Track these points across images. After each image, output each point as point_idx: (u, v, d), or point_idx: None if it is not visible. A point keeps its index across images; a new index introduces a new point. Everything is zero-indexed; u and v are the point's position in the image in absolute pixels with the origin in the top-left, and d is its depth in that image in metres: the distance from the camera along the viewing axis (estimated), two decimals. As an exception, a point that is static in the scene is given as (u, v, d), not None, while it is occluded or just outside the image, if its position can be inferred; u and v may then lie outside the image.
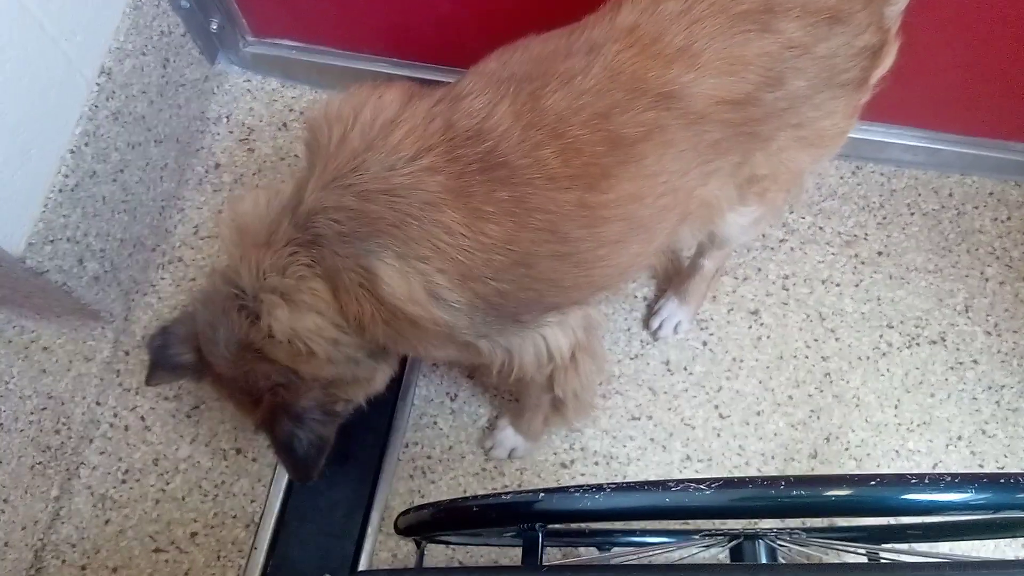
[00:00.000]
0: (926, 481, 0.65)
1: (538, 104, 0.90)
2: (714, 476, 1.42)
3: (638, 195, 0.93)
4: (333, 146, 0.93)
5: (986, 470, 1.45)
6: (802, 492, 0.68)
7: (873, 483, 0.67)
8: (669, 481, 0.71)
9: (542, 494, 0.76)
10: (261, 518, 1.43)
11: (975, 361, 1.53)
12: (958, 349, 1.54)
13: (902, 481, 0.66)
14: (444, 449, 1.49)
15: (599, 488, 0.73)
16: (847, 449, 1.48)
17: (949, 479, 0.65)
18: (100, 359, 1.50)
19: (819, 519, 1.24)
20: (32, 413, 1.47)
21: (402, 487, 1.46)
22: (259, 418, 1.07)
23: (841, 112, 1.00)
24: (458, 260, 0.92)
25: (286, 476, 1.44)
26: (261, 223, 0.98)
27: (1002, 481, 0.64)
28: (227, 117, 1.71)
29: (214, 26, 1.61)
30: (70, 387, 1.49)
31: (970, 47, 1.41)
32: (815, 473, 1.45)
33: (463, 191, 0.90)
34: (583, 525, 1.25)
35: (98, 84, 1.33)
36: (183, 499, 1.45)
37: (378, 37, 1.60)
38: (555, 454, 1.48)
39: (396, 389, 1.49)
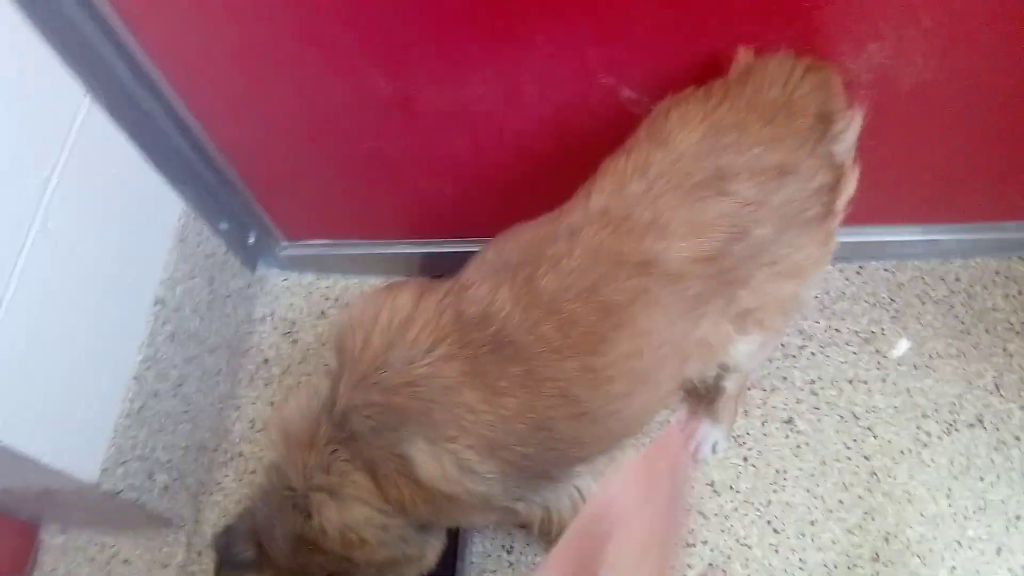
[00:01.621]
0: None
1: (533, 286, 1.01)
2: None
3: (636, 352, 1.01)
4: (358, 350, 1.04)
5: (1053, 550, 1.43)
6: None
7: None
8: None
9: None
10: None
11: (1017, 438, 1.53)
12: (997, 429, 1.54)
13: None
14: (509, 603, 1.52)
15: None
16: (908, 547, 1.47)
17: None
18: (175, 564, 1.58)
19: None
20: (119, 625, 1.55)
21: (474, 649, 1.49)
22: None
23: (812, 244, 1.08)
24: (483, 434, 1.00)
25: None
26: (303, 424, 1.08)
27: None
28: (271, 315, 1.86)
29: (251, 239, 1.79)
30: (151, 594, 1.57)
31: (941, 147, 1.49)
32: (878, 578, 1.44)
33: (478, 372, 1.00)
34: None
35: (154, 313, 1.48)
36: None
37: (396, 224, 1.76)
38: (617, 593, 1.50)
39: (453, 548, 1.53)
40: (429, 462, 1.00)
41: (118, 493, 1.39)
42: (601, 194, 1.03)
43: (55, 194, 1.25)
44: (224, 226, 1.71)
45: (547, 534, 1.16)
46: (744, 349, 1.21)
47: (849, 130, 1.13)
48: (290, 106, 1.44)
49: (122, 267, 1.42)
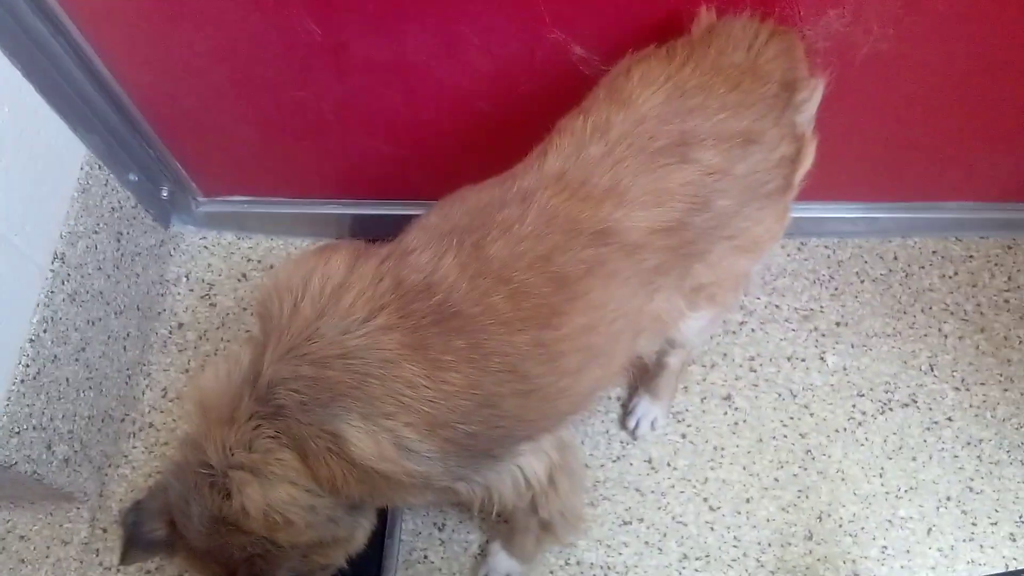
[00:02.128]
0: None
1: (482, 253, 0.93)
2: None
3: (590, 326, 0.95)
4: (286, 317, 0.95)
5: (979, 529, 1.46)
6: None
7: None
8: None
9: None
10: None
11: (949, 419, 1.55)
12: (931, 409, 1.56)
13: None
14: (439, 582, 1.46)
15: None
16: (840, 526, 1.47)
17: None
18: (78, 541, 1.47)
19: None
20: (13, 606, 1.43)
21: (401, 629, 1.43)
22: None
23: (771, 218, 1.05)
24: (423, 411, 0.93)
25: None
26: (223, 398, 0.98)
27: None
28: (186, 276, 1.72)
29: (164, 193, 1.65)
30: (50, 574, 1.45)
31: (888, 122, 1.48)
32: (800, 567, 1.45)
33: (420, 344, 0.92)
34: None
35: (52, 270, 1.34)
36: (175, 677, 1.40)
37: (325, 182, 1.65)
38: (551, 572, 1.46)
39: (382, 527, 1.46)
40: (364, 440, 0.92)
41: (12, 465, 1.27)
42: (557, 156, 0.95)
43: (-64, 133, 1.11)
44: (133, 177, 1.56)
45: (488, 515, 1.10)
46: (694, 325, 1.17)
47: (812, 99, 1.09)
48: (208, 44, 1.32)
49: (16, 217, 1.27)
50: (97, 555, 1.48)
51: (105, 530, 1.49)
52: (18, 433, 1.28)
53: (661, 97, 0.97)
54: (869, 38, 1.28)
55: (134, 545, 1.11)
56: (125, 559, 1.13)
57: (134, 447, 1.56)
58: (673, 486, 1.52)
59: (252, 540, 1.01)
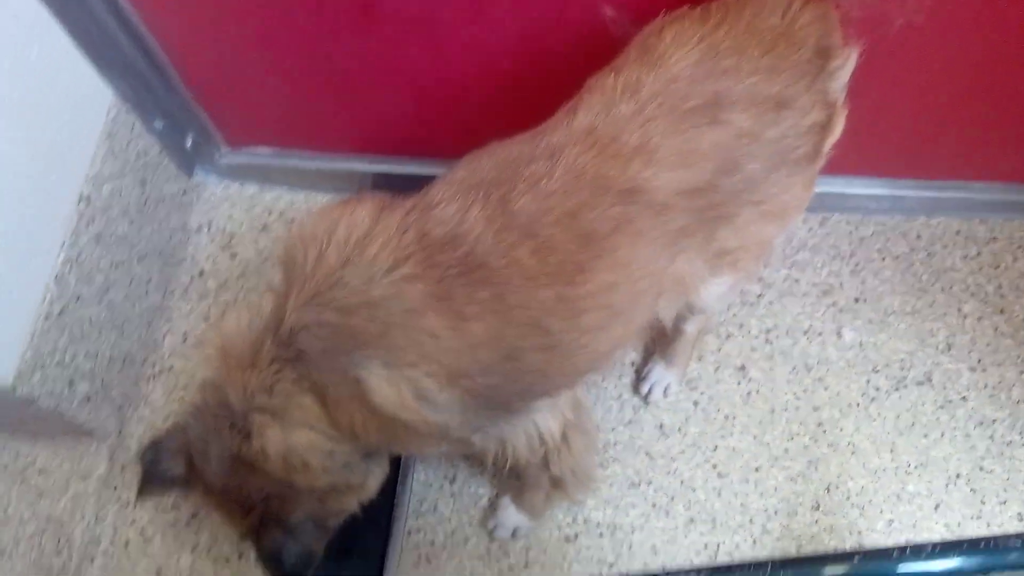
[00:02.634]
0: (908, 553, 0.67)
1: (508, 207, 0.93)
2: (706, 547, 1.44)
3: (614, 284, 0.96)
4: (310, 265, 0.95)
5: (988, 508, 1.46)
6: (791, 573, 0.69)
7: (858, 558, 0.68)
8: (658, 574, 0.72)
9: None
10: (268, 623, 1.41)
11: (964, 398, 1.55)
12: (945, 387, 1.56)
13: (886, 555, 0.67)
14: (447, 534, 1.48)
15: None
16: (848, 498, 1.48)
17: (931, 549, 0.67)
18: (96, 476, 1.50)
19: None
20: (33, 536, 1.46)
21: (409, 577, 1.45)
22: (247, 526, 1.07)
23: (800, 185, 1.04)
24: (445, 362, 0.94)
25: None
26: (244, 343, 0.99)
27: (983, 546, 0.66)
28: (208, 226, 1.73)
29: (189, 142, 1.65)
30: (69, 507, 1.48)
31: (920, 97, 1.46)
32: (805, 536, 1.46)
33: (444, 295, 0.93)
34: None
35: (78, 211, 1.35)
36: (189, 612, 1.44)
37: (349, 137, 1.65)
38: (559, 528, 1.48)
39: (394, 477, 1.49)
40: (385, 388, 0.93)
41: (35, 400, 1.29)
42: (587, 113, 0.95)
43: (-32, 71, 1.12)
44: (159, 124, 1.57)
45: (501, 468, 1.11)
46: (714, 290, 1.17)
47: (845, 68, 1.08)
48: (240, -9, 1.31)
49: (44, 157, 1.28)
50: (115, 491, 1.51)
51: (124, 468, 1.52)
52: (41, 368, 1.30)
53: (694, 57, 0.96)
54: (904, 10, 1.26)
55: (151, 482, 1.13)
56: (142, 494, 1.15)
57: (154, 390, 1.58)
58: (683, 452, 1.53)
59: (270, 481, 1.03)
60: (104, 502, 1.50)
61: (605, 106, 0.95)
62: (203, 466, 1.06)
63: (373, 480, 1.15)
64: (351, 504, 1.14)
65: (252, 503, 1.06)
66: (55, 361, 1.33)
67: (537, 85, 1.40)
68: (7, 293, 1.23)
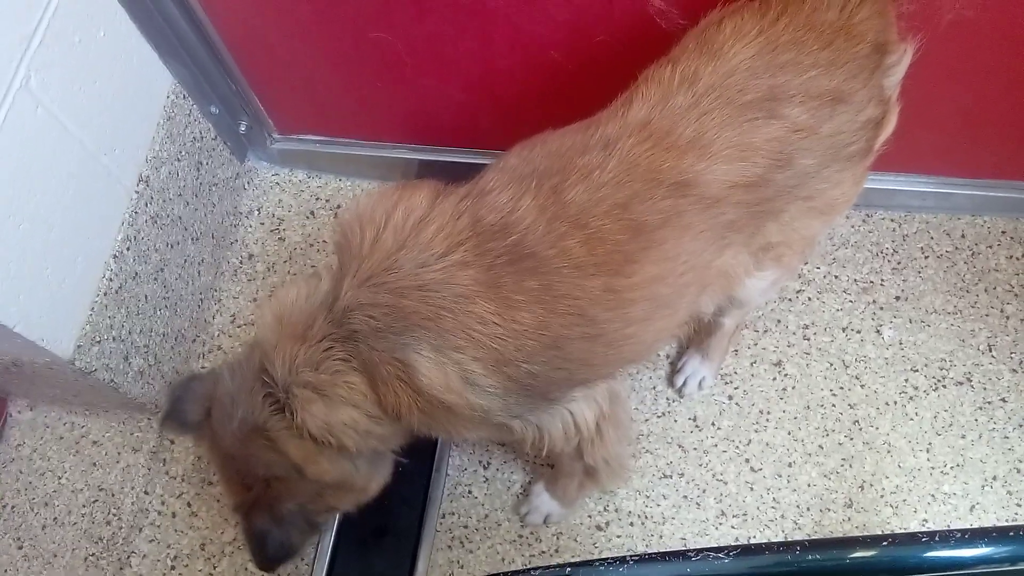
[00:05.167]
0: (936, 539, 0.67)
1: (560, 197, 0.95)
2: (737, 540, 1.45)
3: (661, 276, 0.97)
4: (367, 247, 0.97)
5: (1023, 509, 1.46)
6: (818, 556, 0.70)
7: (886, 543, 0.68)
8: (689, 551, 0.73)
9: (568, 568, 0.77)
10: (307, 597, 1.45)
11: (1003, 400, 1.54)
12: (985, 388, 1.55)
13: (914, 540, 0.68)
14: (480, 518, 1.51)
15: (622, 561, 0.74)
16: (882, 496, 1.49)
17: (959, 535, 0.67)
18: (147, 449, 1.55)
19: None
20: (84, 506, 1.52)
21: (441, 558, 1.48)
22: (240, 501, 1.10)
23: (849, 181, 1.04)
24: (492, 348, 0.95)
25: (329, 554, 1.47)
26: (299, 315, 1.01)
27: (1012, 534, 0.66)
28: (258, 210, 1.78)
29: (242, 128, 1.70)
30: (119, 478, 1.54)
31: (968, 94, 1.45)
32: (837, 532, 1.46)
33: (494, 282, 0.95)
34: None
35: (137, 192, 1.40)
36: (232, 584, 1.48)
37: (396, 126, 1.68)
38: (589, 516, 1.50)
39: (430, 461, 1.52)
40: (432, 370, 0.95)
41: (92, 372, 1.34)
42: (642, 105, 0.96)
43: (38, 52, 1.16)
44: (215, 110, 1.61)
45: (537, 453, 1.13)
46: (757, 285, 1.18)
47: (901, 64, 1.08)
48: (295, -20, 1.34)
49: (106, 138, 1.33)
50: (164, 464, 1.56)
51: (172, 442, 1.57)
52: (99, 342, 1.35)
53: (752, 51, 0.96)
54: (955, 4, 1.25)
55: (170, 417, 1.14)
56: (162, 426, 1.18)
57: (203, 367, 1.63)
58: (716, 445, 1.54)
59: (279, 463, 1.04)
60: (153, 475, 1.55)
61: (661, 98, 0.96)
62: (220, 422, 1.07)
63: (375, 485, 1.16)
64: (347, 504, 1.16)
65: (253, 477, 1.07)
66: (112, 336, 1.38)
67: (582, 77, 1.42)
68: (71, 268, 1.27)
